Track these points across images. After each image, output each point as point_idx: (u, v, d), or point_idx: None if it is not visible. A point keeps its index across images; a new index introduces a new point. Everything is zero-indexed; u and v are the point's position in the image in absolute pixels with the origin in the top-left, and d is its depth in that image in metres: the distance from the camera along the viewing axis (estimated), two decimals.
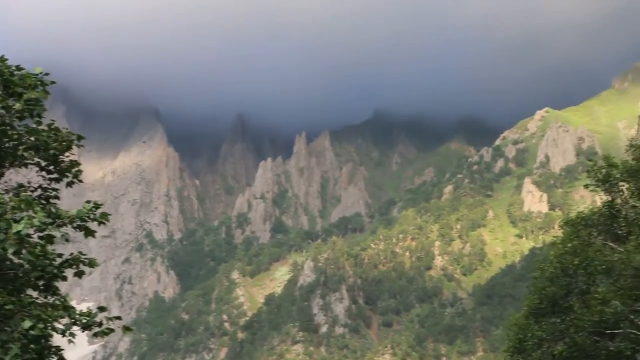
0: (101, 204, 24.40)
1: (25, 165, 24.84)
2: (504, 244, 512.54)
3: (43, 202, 24.99)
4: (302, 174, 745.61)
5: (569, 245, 53.79)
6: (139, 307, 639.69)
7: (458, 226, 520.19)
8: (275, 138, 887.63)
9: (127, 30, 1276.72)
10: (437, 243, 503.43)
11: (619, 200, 56.03)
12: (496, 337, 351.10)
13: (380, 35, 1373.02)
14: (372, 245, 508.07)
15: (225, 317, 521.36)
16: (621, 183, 55.58)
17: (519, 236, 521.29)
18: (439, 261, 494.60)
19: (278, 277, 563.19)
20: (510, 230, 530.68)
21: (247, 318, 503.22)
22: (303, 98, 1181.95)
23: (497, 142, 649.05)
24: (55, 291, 23.19)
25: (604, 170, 55.47)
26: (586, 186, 57.79)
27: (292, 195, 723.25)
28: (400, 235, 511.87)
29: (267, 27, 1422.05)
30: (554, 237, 59.40)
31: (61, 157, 25.09)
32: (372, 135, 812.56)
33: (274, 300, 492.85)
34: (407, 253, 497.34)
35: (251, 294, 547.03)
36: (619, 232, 55.09)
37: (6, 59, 24.41)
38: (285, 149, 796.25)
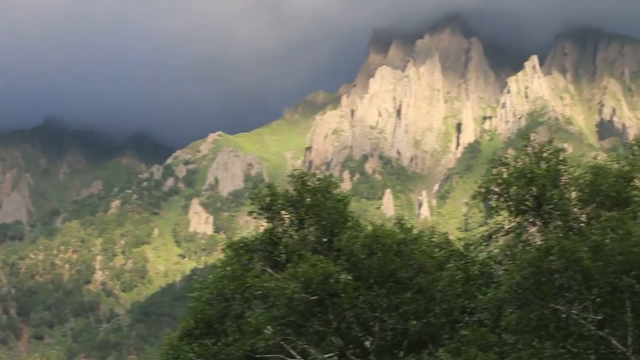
0: None
1: None
2: (166, 263, 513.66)
3: None
4: None
5: (228, 269, 54.21)
6: None
7: (122, 242, 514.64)
8: None
9: None
10: (99, 257, 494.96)
11: (280, 229, 57.32)
12: (150, 355, 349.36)
13: (57, 43, 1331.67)
14: (30, 255, 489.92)
15: None
16: (283, 212, 56.99)
17: (182, 256, 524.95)
18: (99, 275, 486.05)
19: None
20: (174, 250, 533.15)
21: None
22: None
23: (169, 160, 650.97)
24: None
25: (267, 199, 56.66)
26: (250, 213, 58.72)
27: None
28: (62, 247, 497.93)
29: None
30: (217, 259, 59.49)
31: None
32: (41, 142, 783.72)
33: None
34: (67, 265, 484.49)
35: None
36: (279, 259, 56.26)
37: None
38: None
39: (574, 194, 54.39)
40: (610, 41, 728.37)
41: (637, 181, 54.47)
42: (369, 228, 55.27)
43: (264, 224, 58.30)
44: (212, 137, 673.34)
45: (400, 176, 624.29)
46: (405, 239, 53.69)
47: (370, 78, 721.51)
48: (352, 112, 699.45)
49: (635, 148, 56.54)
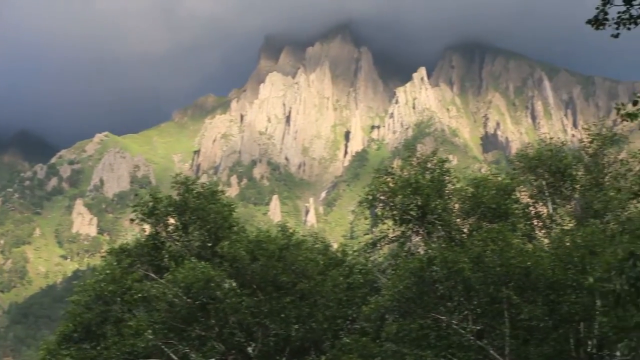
0: None
1: None
2: (47, 264, 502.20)
3: None
4: None
5: (108, 272, 53.37)
6: None
7: (2, 241, 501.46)
8: None
9: None
10: None
11: (163, 233, 56.74)
12: (27, 358, 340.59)
13: None
14: None
15: None
16: (166, 217, 56.42)
17: (64, 257, 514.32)
18: None
19: None
20: (56, 251, 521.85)
21: None
22: None
23: (53, 160, 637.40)
24: None
25: (150, 204, 56.01)
26: (132, 220, 58.05)
27: None
28: None
29: None
30: (104, 260, 58.41)
31: None
32: None
33: None
34: None
35: None
36: (162, 264, 55.66)
37: None
38: None
39: (457, 205, 55.40)
40: (496, 56, 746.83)
41: (517, 194, 55.91)
42: (254, 234, 55.24)
43: (148, 228, 57.62)
44: (98, 137, 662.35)
45: (288, 182, 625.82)
46: (287, 244, 53.84)
47: (261, 84, 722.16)
48: (242, 117, 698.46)
49: (517, 162, 58.05)
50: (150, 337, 49.84)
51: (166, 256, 55.80)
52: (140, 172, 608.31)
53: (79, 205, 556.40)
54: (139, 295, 51.79)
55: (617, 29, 21.88)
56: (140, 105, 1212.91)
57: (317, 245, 60.68)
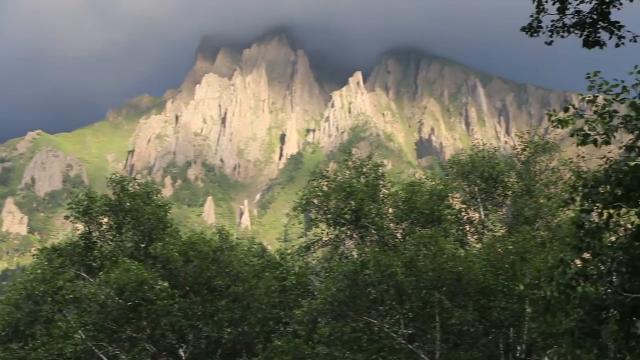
0: None
1: None
2: None
3: None
4: None
5: (39, 271, 52.57)
6: None
7: None
8: None
9: None
10: None
11: (96, 233, 56.07)
12: None
13: None
14: None
15: None
16: (101, 216, 55.76)
17: None
18: None
19: None
20: None
21: None
22: None
23: None
24: None
25: (85, 203, 55.30)
26: (66, 217, 57.19)
27: None
28: None
29: None
30: (35, 260, 57.48)
31: None
32: None
33: None
34: None
35: None
36: (94, 264, 55.00)
37: None
38: None
39: (390, 210, 55.72)
40: (432, 62, 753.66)
41: (450, 200, 56.43)
42: (188, 235, 54.92)
43: (80, 227, 56.91)
44: (30, 135, 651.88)
45: (223, 184, 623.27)
46: (222, 247, 53.65)
47: (197, 84, 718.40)
48: (177, 117, 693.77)
49: (450, 168, 58.58)
50: (80, 338, 49.23)
51: (98, 256, 55.17)
52: (72, 172, 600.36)
53: (9, 204, 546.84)
54: (70, 295, 51.15)
55: (550, 36, 22.26)
56: (74, 104, 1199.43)
57: (254, 248, 60.63)
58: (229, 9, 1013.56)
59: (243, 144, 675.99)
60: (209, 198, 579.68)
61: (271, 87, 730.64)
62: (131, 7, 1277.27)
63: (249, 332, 52.38)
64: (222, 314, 51.43)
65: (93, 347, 49.84)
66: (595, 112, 19.67)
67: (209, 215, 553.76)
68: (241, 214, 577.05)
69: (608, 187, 19.77)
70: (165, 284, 51.11)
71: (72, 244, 56.00)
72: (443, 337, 45.11)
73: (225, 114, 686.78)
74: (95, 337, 49.98)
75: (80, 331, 49.55)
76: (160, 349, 51.66)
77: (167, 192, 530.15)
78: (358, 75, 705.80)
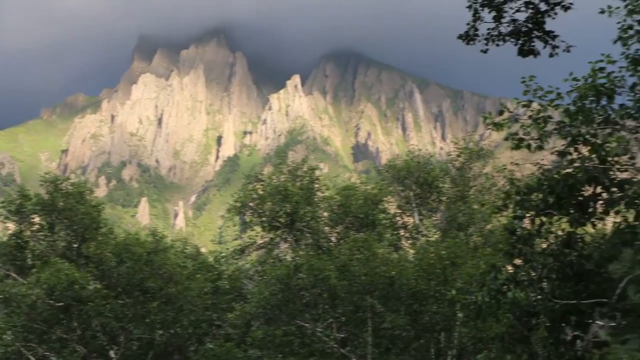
0: None
1: None
2: None
3: None
4: None
5: None
6: None
7: None
8: None
9: None
10: None
11: (28, 232, 55.21)
12: None
13: None
14: None
15: None
16: (33, 215, 54.95)
17: None
18: None
19: None
20: None
21: None
22: None
23: None
24: None
25: (18, 202, 54.45)
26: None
27: None
28: None
29: None
30: None
31: None
32: None
33: None
34: None
35: None
36: (25, 264, 54.18)
37: None
38: None
39: (325, 214, 55.82)
40: (369, 67, 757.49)
41: (385, 204, 56.71)
42: (122, 236, 54.43)
43: (11, 226, 56.00)
44: None
45: (158, 185, 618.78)
46: (156, 248, 53.23)
47: (133, 85, 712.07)
48: (113, 117, 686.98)
49: (386, 173, 58.89)
50: (9, 339, 48.45)
51: (30, 256, 54.35)
52: (4, 170, 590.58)
53: None
54: (1, 297, 50.25)
55: (486, 44, 22.45)
56: (7, 102, 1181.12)
57: (187, 250, 60.33)
58: (167, 10, 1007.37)
59: (179, 145, 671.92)
60: (144, 199, 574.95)
61: (209, 89, 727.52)
62: (67, 4, 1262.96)
63: (182, 335, 52.12)
64: (154, 315, 51.06)
65: (22, 349, 49.07)
66: (530, 116, 19.87)
67: (143, 216, 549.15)
68: (176, 215, 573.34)
69: (540, 194, 19.97)
70: (98, 285, 50.56)
71: (2, 244, 55.12)
72: (375, 341, 45.25)
73: (162, 114, 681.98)
74: (24, 338, 49.21)
75: (9, 332, 48.75)
76: (90, 350, 51.09)
77: (101, 192, 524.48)
78: (296, 79, 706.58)
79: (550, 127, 19.69)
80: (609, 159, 19.10)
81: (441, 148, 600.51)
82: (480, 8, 22.03)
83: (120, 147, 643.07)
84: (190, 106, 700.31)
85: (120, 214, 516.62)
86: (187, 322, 51.84)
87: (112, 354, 51.48)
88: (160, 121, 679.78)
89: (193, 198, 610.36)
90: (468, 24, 22.26)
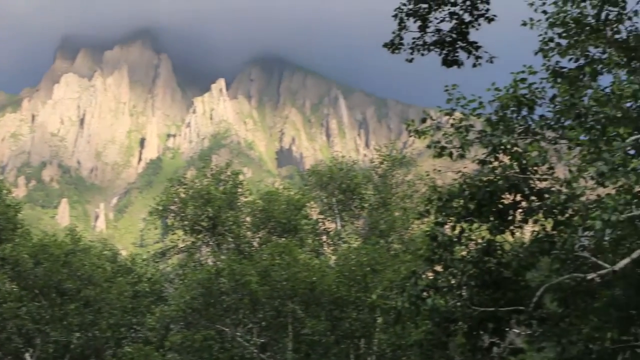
0: None
1: None
2: None
3: None
4: None
5: None
6: None
7: None
8: None
9: None
10: None
11: None
12: None
13: None
14: None
15: None
16: None
17: None
18: None
19: None
20: None
21: None
22: None
23: None
24: None
25: None
26: None
27: None
28: None
29: None
30: None
31: None
32: None
33: None
34: None
35: None
36: None
37: None
38: None
39: (248, 218, 55.71)
40: (295, 72, 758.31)
41: (308, 210, 56.81)
42: (39, 237, 53.55)
43: None
44: None
45: (79, 186, 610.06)
46: (74, 250, 52.52)
47: (55, 84, 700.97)
48: (33, 117, 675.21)
49: (309, 178, 59.02)
50: None
51: None
52: None
53: None
54: None
55: (411, 53, 22.62)
56: None
57: (105, 252, 59.64)
58: (91, 10, 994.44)
59: (101, 146, 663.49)
60: (64, 200, 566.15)
61: (132, 90, 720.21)
62: None
63: (99, 337, 51.52)
64: (71, 318, 50.42)
65: None
66: (452, 125, 20.07)
67: (63, 217, 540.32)
68: (97, 217, 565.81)
69: (462, 201, 20.18)
70: (14, 287, 49.70)
71: None
72: (295, 346, 45.26)
73: (84, 115, 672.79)
74: None
75: None
76: (5, 352, 50.22)
77: (20, 192, 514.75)
78: (221, 82, 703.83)
79: (472, 135, 19.93)
80: (529, 168, 19.40)
81: (365, 155, 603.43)
82: (406, 17, 22.19)
83: (40, 147, 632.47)
84: (114, 107, 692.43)
85: (40, 215, 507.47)
86: (105, 325, 51.26)
87: (27, 356, 50.68)
88: (82, 122, 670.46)
89: (114, 200, 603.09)
90: (394, 32, 22.41)
